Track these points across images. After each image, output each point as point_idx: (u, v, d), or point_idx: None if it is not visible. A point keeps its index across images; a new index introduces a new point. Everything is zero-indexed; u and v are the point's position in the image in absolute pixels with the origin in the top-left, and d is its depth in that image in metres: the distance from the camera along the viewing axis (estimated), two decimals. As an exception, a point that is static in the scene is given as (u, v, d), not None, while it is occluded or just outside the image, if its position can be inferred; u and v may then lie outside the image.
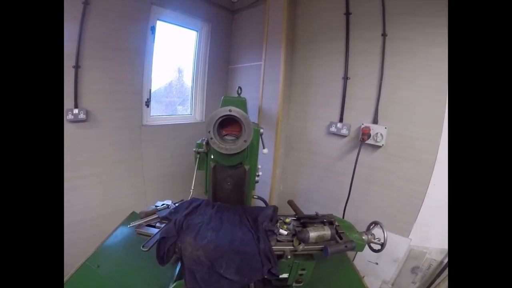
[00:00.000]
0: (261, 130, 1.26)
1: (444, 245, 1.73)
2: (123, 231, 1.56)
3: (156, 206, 1.31)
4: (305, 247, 1.00)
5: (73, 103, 1.87)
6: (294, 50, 2.37)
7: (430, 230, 1.77)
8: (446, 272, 1.71)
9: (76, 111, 1.88)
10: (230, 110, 1.01)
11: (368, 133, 1.86)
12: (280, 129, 2.37)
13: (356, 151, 1.90)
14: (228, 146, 1.04)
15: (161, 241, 0.98)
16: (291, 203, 1.29)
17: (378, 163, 1.93)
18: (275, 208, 1.15)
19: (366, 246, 1.19)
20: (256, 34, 2.53)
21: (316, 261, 1.07)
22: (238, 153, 1.06)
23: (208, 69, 2.78)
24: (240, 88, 1.28)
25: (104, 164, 2.14)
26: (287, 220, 1.08)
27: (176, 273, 1.27)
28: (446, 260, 1.73)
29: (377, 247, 1.26)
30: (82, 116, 1.91)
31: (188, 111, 2.90)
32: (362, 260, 2.02)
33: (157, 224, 1.16)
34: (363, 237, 1.22)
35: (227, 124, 1.09)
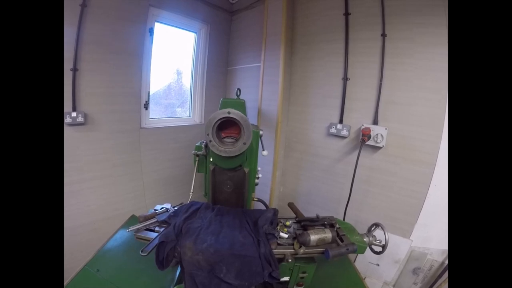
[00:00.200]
0: (261, 132, 1.25)
1: (445, 246, 1.73)
2: (123, 235, 1.55)
3: (155, 210, 1.30)
4: (306, 250, 0.98)
5: (71, 106, 1.85)
6: (293, 51, 2.36)
7: (431, 231, 1.76)
8: (447, 273, 1.70)
9: (74, 114, 1.87)
10: (229, 112, 1.00)
11: (368, 134, 1.85)
12: (279, 130, 2.36)
13: (356, 153, 1.90)
14: (227, 148, 1.04)
15: (160, 245, 0.97)
16: (291, 206, 1.28)
17: (378, 164, 1.92)
18: (275, 211, 1.14)
19: (368, 248, 1.17)
20: (255, 36, 2.52)
21: (317, 263, 1.06)
22: (237, 155, 1.05)
23: (207, 70, 2.77)
24: (239, 90, 1.27)
25: (102, 168, 2.13)
26: (288, 223, 1.07)
27: (176, 277, 1.26)
28: (447, 261, 1.72)
29: (379, 249, 1.25)
30: (80, 119, 1.89)
31: (187, 113, 2.89)
32: (363, 261, 2.01)
33: (156, 228, 1.14)
34: (364, 239, 1.21)
35: (226, 126, 1.09)
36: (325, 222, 1.09)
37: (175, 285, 1.20)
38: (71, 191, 1.94)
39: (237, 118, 1.01)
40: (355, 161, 1.85)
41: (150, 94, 2.41)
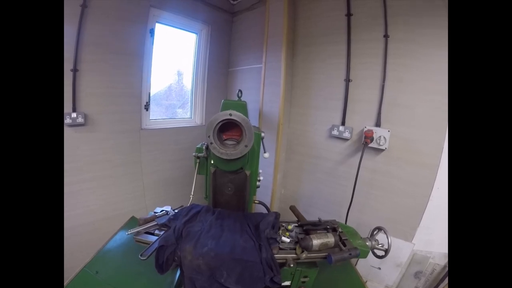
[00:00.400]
0: (262, 134, 1.24)
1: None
2: (122, 236, 1.53)
3: (155, 213, 1.29)
4: (308, 255, 0.97)
5: (71, 106, 1.84)
6: (295, 53, 2.35)
7: (433, 234, 1.74)
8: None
9: (74, 115, 1.86)
10: (230, 114, 0.99)
11: (371, 137, 1.84)
12: (281, 132, 2.35)
13: (358, 155, 1.88)
14: (229, 151, 1.02)
15: (160, 249, 0.96)
16: (293, 209, 1.27)
17: (381, 166, 1.91)
18: (277, 215, 1.12)
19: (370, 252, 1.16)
20: (256, 37, 2.51)
21: (319, 267, 1.05)
22: (238, 158, 1.04)
23: (208, 72, 2.76)
24: (240, 91, 1.26)
25: (102, 169, 2.12)
26: (290, 227, 1.05)
27: (176, 280, 1.24)
28: (450, 265, 1.70)
29: (381, 253, 1.24)
30: (80, 120, 1.88)
31: (188, 115, 2.87)
32: (365, 265, 1.99)
33: (156, 231, 1.14)
34: (367, 243, 1.20)
35: (228, 128, 1.07)
36: (328, 226, 1.08)
37: (175, 288, 1.19)
38: (70, 192, 1.93)
39: (238, 120, 1.00)
40: (358, 164, 1.83)
41: (151, 95, 2.40)
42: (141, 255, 0.95)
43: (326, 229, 1.07)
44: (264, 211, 1.45)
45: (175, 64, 2.77)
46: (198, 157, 1.29)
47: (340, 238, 1.05)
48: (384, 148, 1.84)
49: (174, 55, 2.69)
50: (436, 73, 1.62)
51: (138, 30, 2.16)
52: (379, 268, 1.97)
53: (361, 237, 1.23)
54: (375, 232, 1.30)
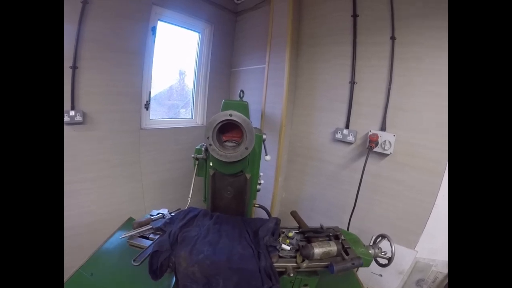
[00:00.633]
0: (264, 136, 1.21)
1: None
2: (119, 238, 1.50)
3: (151, 216, 1.26)
4: (309, 264, 0.92)
5: (69, 104, 1.81)
6: (299, 53, 2.31)
7: (437, 242, 1.69)
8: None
9: (72, 113, 1.82)
10: (230, 115, 0.95)
11: (376, 141, 1.79)
12: (283, 134, 2.31)
13: (362, 159, 1.84)
14: (228, 153, 0.98)
15: (154, 254, 0.92)
16: (294, 214, 1.22)
17: (385, 172, 1.86)
18: (277, 221, 1.08)
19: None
20: (260, 37, 2.48)
21: (320, 274, 1.02)
22: (238, 160, 1.00)
23: (210, 71, 2.73)
24: (242, 91, 1.23)
25: (101, 168, 2.09)
26: (290, 234, 1.01)
27: (173, 284, 1.21)
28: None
29: (384, 261, 1.21)
30: (78, 118, 1.85)
31: (190, 115, 2.85)
32: (366, 271, 1.95)
33: (151, 236, 1.10)
34: (370, 251, 1.17)
35: (228, 129, 1.04)
36: (330, 234, 1.03)
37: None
38: (67, 192, 1.90)
39: (239, 121, 0.96)
40: (362, 168, 1.78)
41: (154, 94, 2.37)
42: (134, 261, 0.92)
43: (328, 236, 1.03)
44: (265, 215, 1.42)
45: (178, 64, 2.75)
46: (197, 159, 1.26)
47: (343, 246, 1.01)
48: (389, 153, 1.80)
49: (177, 54, 2.67)
50: (444, 77, 1.57)
51: (140, 28, 2.13)
52: (381, 275, 1.93)
53: (364, 245, 1.19)
54: (378, 240, 1.27)
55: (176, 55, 2.67)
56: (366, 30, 1.90)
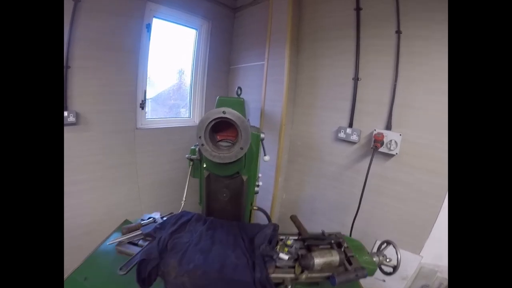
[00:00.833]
0: (262, 135, 1.15)
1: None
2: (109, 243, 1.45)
3: (142, 220, 1.20)
4: (309, 275, 0.85)
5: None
6: (300, 49, 2.24)
7: (443, 247, 1.61)
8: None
9: (65, 113, 1.78)
10: (224, 112, 0.87)
11: (381, 140, 1.71)
12: (283, 133, 2.24)
13: (366, 160, 1.77)
14: (222, 154, 0.90)
15: (141, 263, 0.86)
16: (294, 219, 1.15)
17: (390, 173, 1.79)
18: (275, 227, 1.01)
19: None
20: (259, 33, 2.41)
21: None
22: (233, 161, 0.92)
23: (208, 69, 2.68)
24: (240, 88, 1.17)
25: (96, 170, 2.04)
26: (289, 242, 0.93)
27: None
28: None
29: (389, 270, 1.16)
30: (71, 119, 1.81)
31: (187, 114, 2.80)
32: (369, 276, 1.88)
33: (140, 242, 1.05)
34: (374, 259, 1.11)
35: (223, 128, 0.96)
36: (332, 241, 0.95)
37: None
38: (62, 193, 1.85)
39: (233, 119, 0.88)
40: (365, 169, 1.71)
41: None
42: (120, 269, 0.86)
43: (330, 244, 0.96)
44: (264, 218, 1.36)
45: (179, 63, 2.72)
46: (191, 159, 1.21)
47: (346, 255, 0.93)
48: (394, 153, 1.72)
49: (177, 53, 2.63)
50: (453, 72, 1.49)
51: (134, 26, 2.08)
52: (384, 281, 1.86)
53: (368, 252, 1.13)
54: (383, 246, 1.21)
55: (175, 53, 2.63)
56: (370, 24, 1.83)
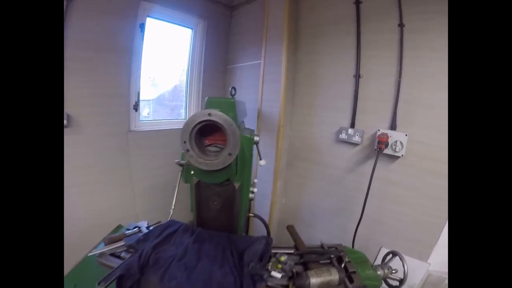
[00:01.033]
0: (256, 138, 1.07)
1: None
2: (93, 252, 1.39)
3: (127, 230, 1.13)
4: (305, 296, 0.76)
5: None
6: (298, 46, 2.16)
7: (451, 254, 1.53)
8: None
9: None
10: (209, 114, 0.80)
11: (385, 142, 1.62)
12: (282, 135, 2.15)
13: (369, 162, 1.69)
14: (209, 160, 0.83)
15: (120, 279, 0.79)
16: (290, 230, 1.07)
17: (395, 176, 1.70)
18: (267, 241, 0.92)
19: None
20: (257, 31, 2.33)
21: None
22: (223, 168, 0.84)
23: (204, 69, 2.61)
24: (233, 88, 1.10)
25: (88, 174, 1.98)
26: (282, 258, 0.84)
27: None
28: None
29: (395, 283, 1.10)
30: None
31: (183, 115, 2.73)
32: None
33: (122, 254, 0.99)
34: (379, 273, 1.05)
35: (211, 131, 0.88)
36: (332, 256, 0.86)
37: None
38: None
39: (219, 121, 0.80)
40: (369, 172, 1.61)
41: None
42: (98, 284, 0.79)
43: (329, 258, 0.86)
44: (262, 225, 1.29)
45: (181, 64, 2.65)
46: (181, 165, 1.14)
47: (347, 271, 0.84)
48: (400, 155, 1.63)
49: (173, 54, 2.58)
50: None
51: (127, 25, 2.02)
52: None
53: (371, 265, 1.04)
54: (388, 258, 1.13)
55: (172, 54, 2.58)
56: (371, 18, 1.76)
